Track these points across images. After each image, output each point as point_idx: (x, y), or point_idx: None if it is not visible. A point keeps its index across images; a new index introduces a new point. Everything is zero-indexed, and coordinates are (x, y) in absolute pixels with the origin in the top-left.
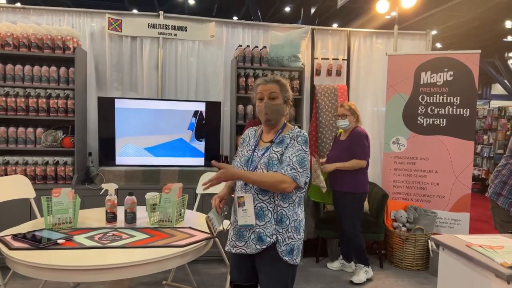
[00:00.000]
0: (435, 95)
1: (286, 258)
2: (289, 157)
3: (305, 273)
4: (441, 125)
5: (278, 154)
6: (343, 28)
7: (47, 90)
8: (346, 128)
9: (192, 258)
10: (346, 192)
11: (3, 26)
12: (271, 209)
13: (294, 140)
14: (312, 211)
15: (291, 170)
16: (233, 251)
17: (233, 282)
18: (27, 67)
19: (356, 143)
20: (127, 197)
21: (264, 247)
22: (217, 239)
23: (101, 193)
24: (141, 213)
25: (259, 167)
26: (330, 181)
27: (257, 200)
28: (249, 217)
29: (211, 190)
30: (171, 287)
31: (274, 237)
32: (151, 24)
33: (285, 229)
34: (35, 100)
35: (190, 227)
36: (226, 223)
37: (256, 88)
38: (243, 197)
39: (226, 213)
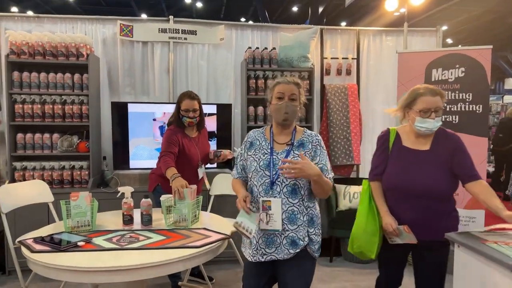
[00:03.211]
0: (447, 92)
1: (316, 255)
2: (325, 164)
3: (320, 273)
4: (454, 122)
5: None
6: (352, 27)
7: (62, 97)
8: (433, 131)
9: (208, 259)
10: (445, 241)
11: (19, 35)
12: (301, 212)
13: (318, 146)
14: (324, 210)
15: (331, 177)
16: (263, 260)
17: None
18: (43, 75)
19: (468, 156)
20: (143, 199)
21: (298, 250)
22: (231, 240)
23: (117, 196)
24: (156, 215)
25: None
26: (416, 227)
27: (287, 204)
28: (275, 222)
29: (224, 191)
30: None
31: (306, 239)
32: (162, 28)
33: (316, 228)
34: (50, 106)
35: (205, 228)
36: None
37: (275, 86)
38: (269, 201)
39: (255, 209)
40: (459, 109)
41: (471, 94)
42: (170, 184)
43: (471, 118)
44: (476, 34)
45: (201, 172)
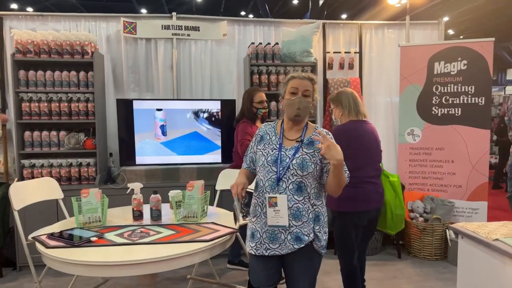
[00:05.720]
0: (449, 85)
1: (322, 251)
2: None
3: (324, 265)
4: (456, 114)
5: (310, 156)
6: (354, 21)
7: (68, 94)
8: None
9: (217, 252)
10: (330, 210)
11: (24, 34)
12: (306, 209)
13: None
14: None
15: (345, 173)
16: (266, 254)
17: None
18: (48, 73)
19: None
20: (152, 195)
21: (302, 245)
22: (239, 234)
23: (127, 192)
24: (164, 210)
25: (291, 167)
26: None
27: (292, 201)
28: (281, 218)
29: (229, 186)
30: (195, 281)
31: (312, 235)
32: (165, 25)
33: (322, 226)
34: (57, 104)
35: (213, 222)
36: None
37: (289, 81)
38: (275, 197)
39: (246, 200)
40: (461, 101)
41: (473, 87)
42: None
43: (474, 110)
44: (478, 25)
45: None
